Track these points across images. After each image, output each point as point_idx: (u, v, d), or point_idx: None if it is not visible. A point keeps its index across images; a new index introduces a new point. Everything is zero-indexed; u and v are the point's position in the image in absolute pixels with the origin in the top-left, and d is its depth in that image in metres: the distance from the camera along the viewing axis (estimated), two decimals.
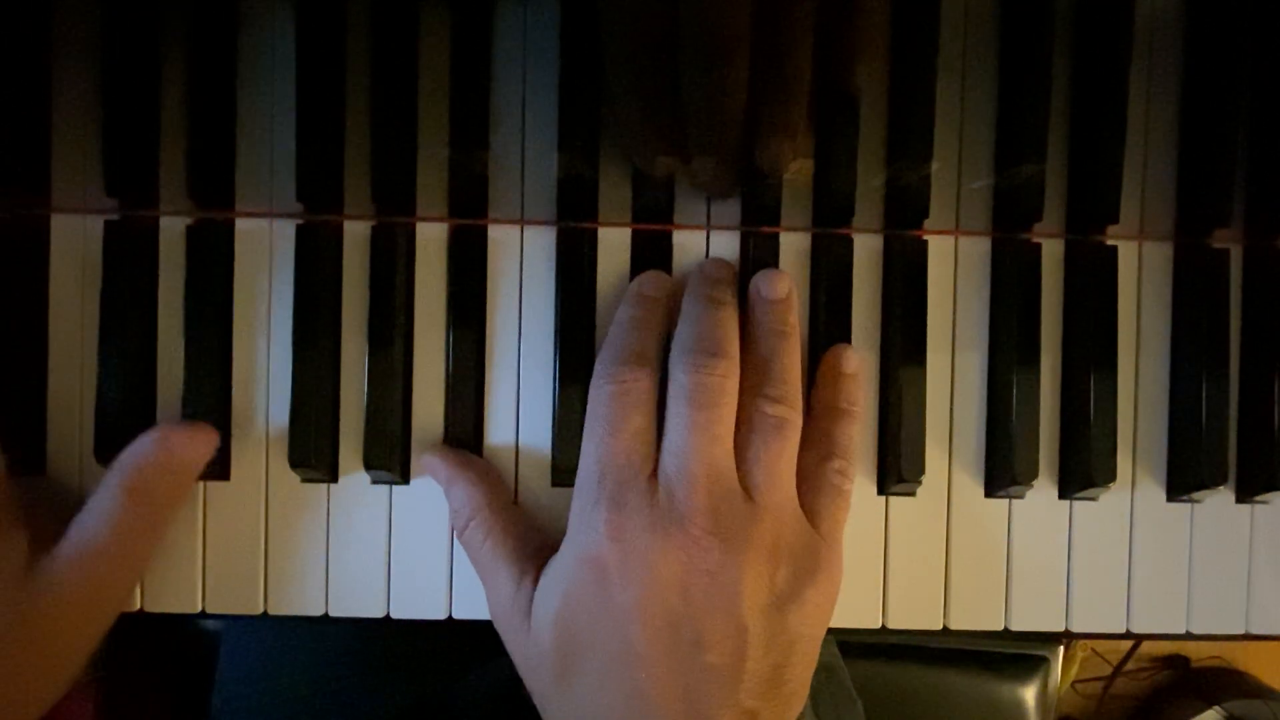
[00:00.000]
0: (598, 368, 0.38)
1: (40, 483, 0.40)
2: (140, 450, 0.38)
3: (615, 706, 0.36)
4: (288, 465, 0.40)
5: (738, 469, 0.37)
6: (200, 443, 0.39)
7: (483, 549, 0.39)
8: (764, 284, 0.40)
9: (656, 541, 0.35)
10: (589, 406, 0.38)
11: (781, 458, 0.37)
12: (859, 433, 0.40)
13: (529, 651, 0.38)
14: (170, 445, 0.38)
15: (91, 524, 0.37)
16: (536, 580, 0.38)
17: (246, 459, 0.40)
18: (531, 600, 0.37)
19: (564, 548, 0.37)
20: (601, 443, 0.37)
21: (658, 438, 0.37)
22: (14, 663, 0.36)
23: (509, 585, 0.38)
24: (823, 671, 0.43)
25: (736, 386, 0.37)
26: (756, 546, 0.36)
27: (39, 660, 0.37)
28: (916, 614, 0.42)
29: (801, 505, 0.38)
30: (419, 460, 0.41)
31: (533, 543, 0.39)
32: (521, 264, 0.41)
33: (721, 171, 0.38)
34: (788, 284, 0.40)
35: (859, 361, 0.40)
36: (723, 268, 0.41)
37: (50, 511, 0.38)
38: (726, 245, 0.41)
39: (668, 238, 0.41)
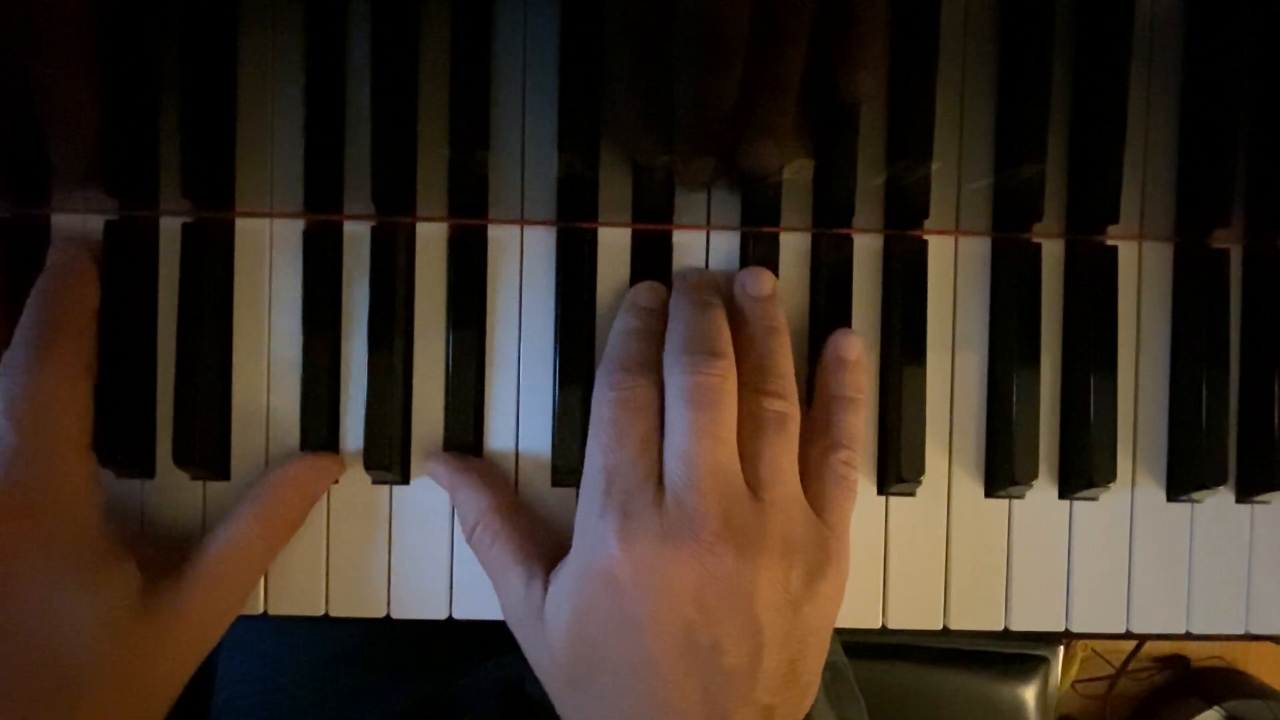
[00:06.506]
0: (599, 376, 0.38)
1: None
2: (271, 482, 0.39)
3: (633, 712, 0.36)
4: None
5: (742, 467, 0.37)
6: (326, 471, 0.40)
7: (490, 552, 0.39)
8: (749, 281, 0.40)
9: (668, 551, 0.35)
10: (593, 414, 0.38)
11: (785, 453, 0.37)
12: (864, 421, 0.40)
13: (542, 654, 0.38)
14: (299, 475, 0.39)
15: (222, 549, 0.38)
16: (547, 580, 0.38)
17: (247, 459, 0.40)
18: (543, 602, 0.37)
19: (572, 556, 0.37)
20: (607, 451, 0.37)
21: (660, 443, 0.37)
22: (125, 691, 0.36)
23: (519, 587, 0.38)
24: (828, 671, 0.43)
25: (735, 386, 0.37)
26: (769, 547, 0.36)
27: (148, 688, 0.37)
28: (916, 614, 0.42)
29: (807, 497, 0.38)
30: (421, 466, 0.41)
31: (541, 541, 0.39)
32: (521, 264, 0.41)
33: (717, 170, 0.38)
34: (771, 280, 0.40)
35: (862, 346, 0.40)
36: (705, 273, 0.41)
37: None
38: (726, 245, 0.41)
39: (668, 238, 0.41)
